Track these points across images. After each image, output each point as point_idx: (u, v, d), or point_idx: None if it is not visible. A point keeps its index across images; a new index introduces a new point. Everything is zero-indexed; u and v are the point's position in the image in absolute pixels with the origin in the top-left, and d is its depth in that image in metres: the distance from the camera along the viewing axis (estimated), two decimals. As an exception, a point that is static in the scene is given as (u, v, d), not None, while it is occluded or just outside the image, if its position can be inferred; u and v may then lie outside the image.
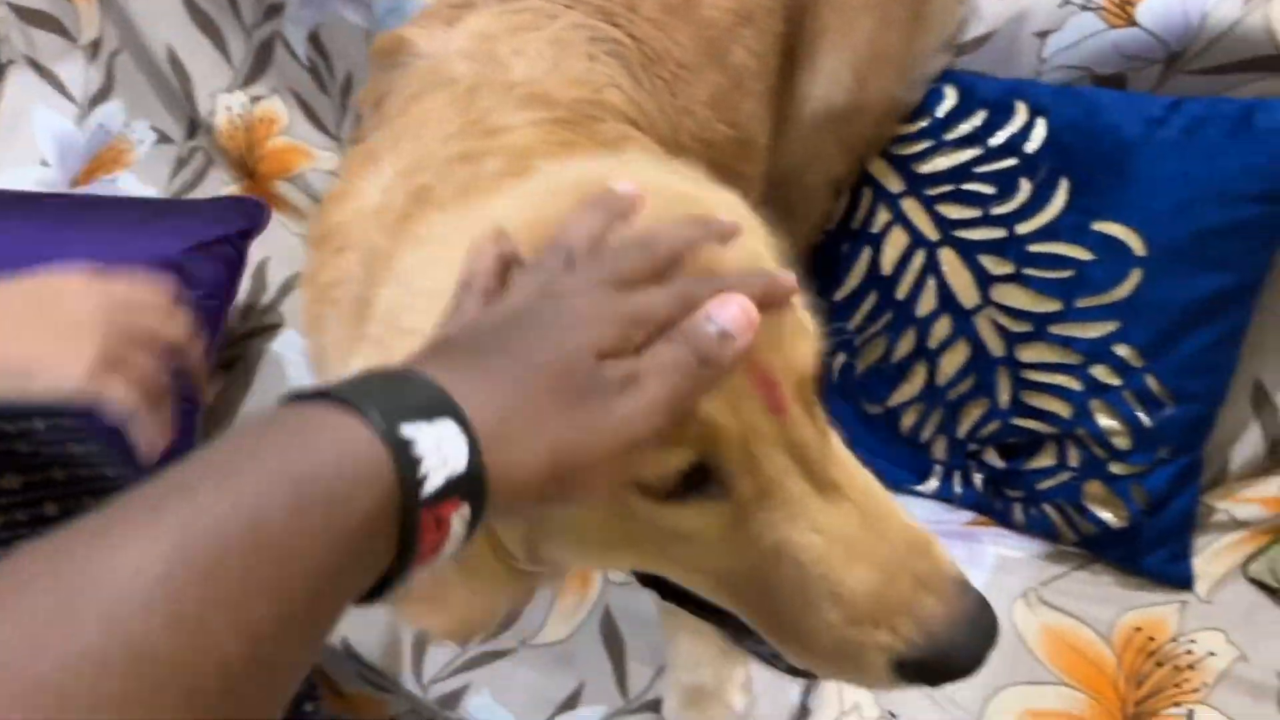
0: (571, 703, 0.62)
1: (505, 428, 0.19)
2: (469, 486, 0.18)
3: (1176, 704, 0.53)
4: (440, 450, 0.17)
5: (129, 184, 0.91)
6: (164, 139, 0.95)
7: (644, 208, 0.28)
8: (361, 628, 0.68)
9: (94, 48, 0.95)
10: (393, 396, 0.18)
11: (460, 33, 0.45)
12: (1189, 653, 0.55)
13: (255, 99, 0.88)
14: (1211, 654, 0.54)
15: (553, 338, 0.21)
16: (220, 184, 0.91)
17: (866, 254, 0.62)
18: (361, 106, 0.52)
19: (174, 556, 0.14)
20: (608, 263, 0.24)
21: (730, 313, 0.23)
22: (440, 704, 0.67)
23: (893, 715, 0.56)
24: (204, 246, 0.70)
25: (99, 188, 0.91)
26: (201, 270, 0.69)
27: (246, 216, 0.75)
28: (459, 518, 0.18)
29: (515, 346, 0.21)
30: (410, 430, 0.17)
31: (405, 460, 0.17)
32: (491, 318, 0.23)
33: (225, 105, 0.88)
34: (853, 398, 0.64)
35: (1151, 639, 0.56)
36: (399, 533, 0.17)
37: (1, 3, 0.94)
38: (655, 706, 0.62)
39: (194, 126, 0.93)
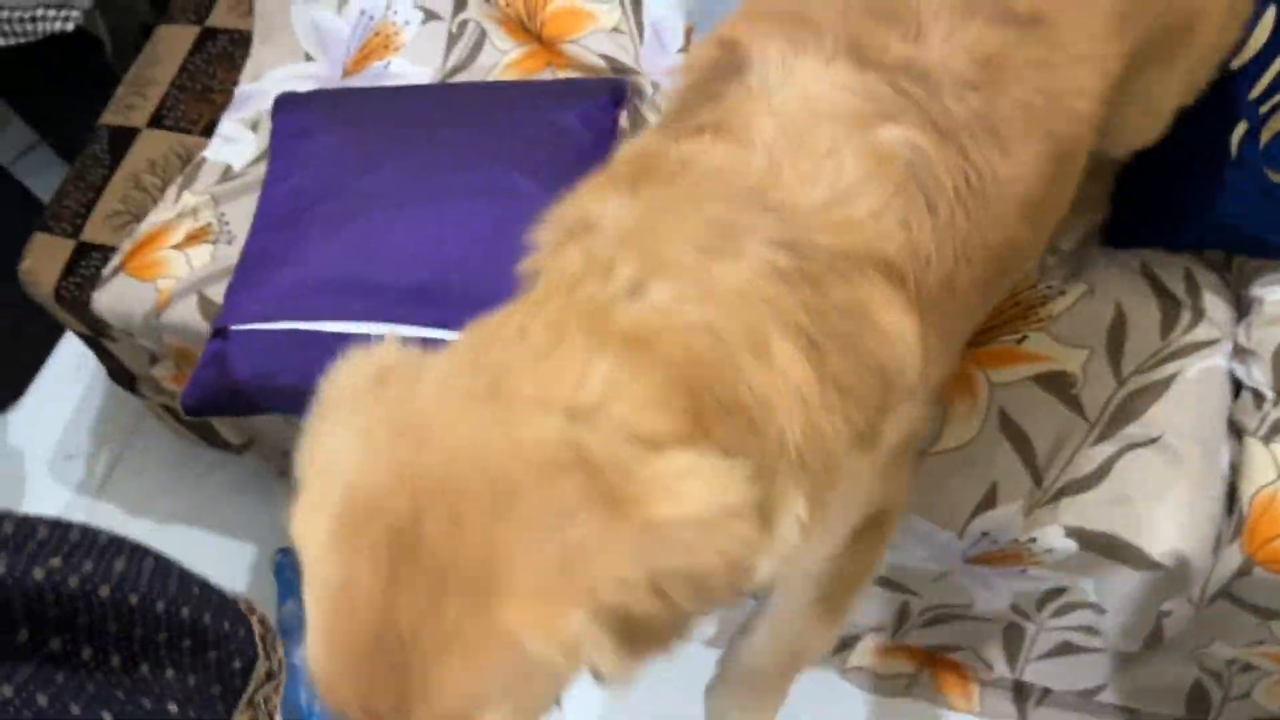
0: (989, 502, 0.61)
1: None
2: None
3: None
4: None
5: (402, 67, 0.86)
6: (431, 17, 0.88)
7: None
8: None
9: None
10: None
11: (790, 81, 0.39)
12: None
13: None
14: None
15: None
16: (499, 54, 0.85)
17: (1271, 13, 0.57)
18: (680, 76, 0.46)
19: None
20: None
21: None
22: None
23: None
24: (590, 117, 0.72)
25: (372, 75, 0.86)
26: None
27: (613, 90, 0.76)
28: None
29: None
30: None
31: None
32: None
33: None
34: (1254, 169, 0.60)
35: None
36: None
37: None
38: (1070, 489, 0.61)
39: (463, 2, 0.87)
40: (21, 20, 1.00)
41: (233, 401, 0.71)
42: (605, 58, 0.81)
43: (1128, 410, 0.62)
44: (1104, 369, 0.63)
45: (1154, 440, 0.60)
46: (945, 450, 0.63)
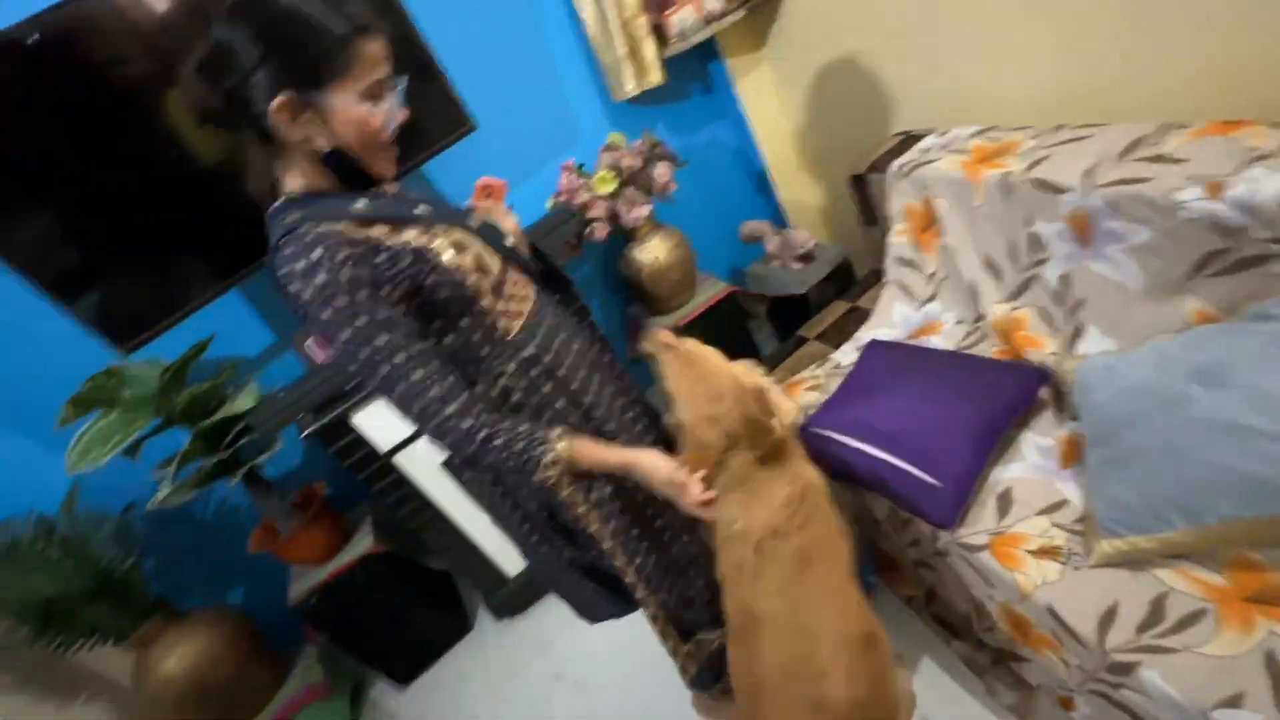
0: (1233, 703, 0.72)
1: None
2: None
3: None
4: None
5: (936, 342, 1.40)
6: (960, 321, 1.42)
7: None
8: (1073, 599, 0.90)
9: (932, 276, 1.50)
10: None
11: None
12: None
13: (1015, 308, 1.31)
14: None
15: None
16: (989, 346, 1.32)
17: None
18: None
19: None
20: None
21: None
22: (1112, 669, 0.83)
23: None
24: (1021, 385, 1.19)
25: (918, 341, 1.43)
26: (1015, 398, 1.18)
27: (1040, 375, 1.20)
28: None
29: None
30: None
31: None
32: None
33: (997, 308, 1.34)
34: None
35: None
36: None
37: (890, 255, 1.53)
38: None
39: (980, 317, 1.37)
40: (780, 286, 2.03)
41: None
42: (1042, 364, 1.23)
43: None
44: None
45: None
46: (1208, 654, 0.77)
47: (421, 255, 0.73)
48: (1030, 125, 1.37)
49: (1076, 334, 1.22)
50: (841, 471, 1.25)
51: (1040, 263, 1.28)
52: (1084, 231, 1.17)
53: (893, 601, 1.42)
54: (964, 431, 1.15)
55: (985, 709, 1.20)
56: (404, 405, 0.69)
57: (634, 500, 0.93)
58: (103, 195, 1.28)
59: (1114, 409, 1.01)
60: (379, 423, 1.55)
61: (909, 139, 1.60)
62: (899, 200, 1.55)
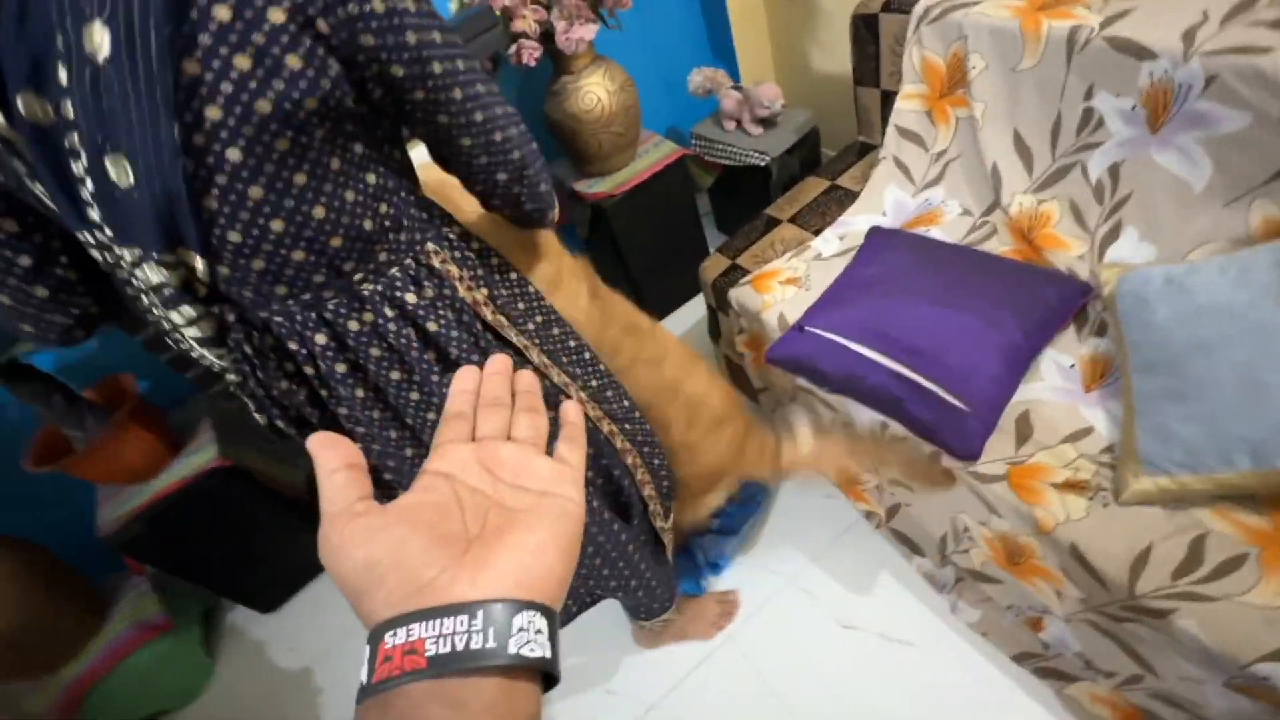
0: (1277, 657, 0.67)
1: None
2: None
3: None
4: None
5: (936, 234, 1.18)
6: (965, 213, 1.20)
7: None
8: (1102, 539, 0.80)
9: (940, 155, 1.23)
10: None
11: None
12: None
13: (1041, 201, 1.10)
14: None
15: None
16: (999, 244, 1.13)
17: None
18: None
19: None
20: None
21: None
22: (1148, 613, 0.77)
23: None
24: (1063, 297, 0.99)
25: (917, 232, 1.19)
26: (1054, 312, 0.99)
27: (1083, 288, 1.01)
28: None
29: None
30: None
31: None
32: None
33: (1020, 200, 1.13)
34: None
35: None
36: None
37: (892, 125, 1.27)
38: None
39: (991, 209, 1.16)
40: (736, 154, 1.60)
41: (788, 363, 1.12)
42: (1069, 270, 1.06)
43: None
44: None
45: None
46: (1251, 603, 0.70)
47: None
48: (1099, -32, 1.07)
49: (1111, 236, 1.02)
50: (840, 382, 1.02)
51: (1088, 147, 1.04)
52: (1159, 111, 0.93)
53: (850, 515, 1.28)
54: (999, 350, 0.94)
55: (945, 625, 1.11)
56: (506, 125, 0.62)
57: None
58: None
59: (1180, 332, 0.83)
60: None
61: (936, -28, 1.24)
62: (919, 52, 1.21)
